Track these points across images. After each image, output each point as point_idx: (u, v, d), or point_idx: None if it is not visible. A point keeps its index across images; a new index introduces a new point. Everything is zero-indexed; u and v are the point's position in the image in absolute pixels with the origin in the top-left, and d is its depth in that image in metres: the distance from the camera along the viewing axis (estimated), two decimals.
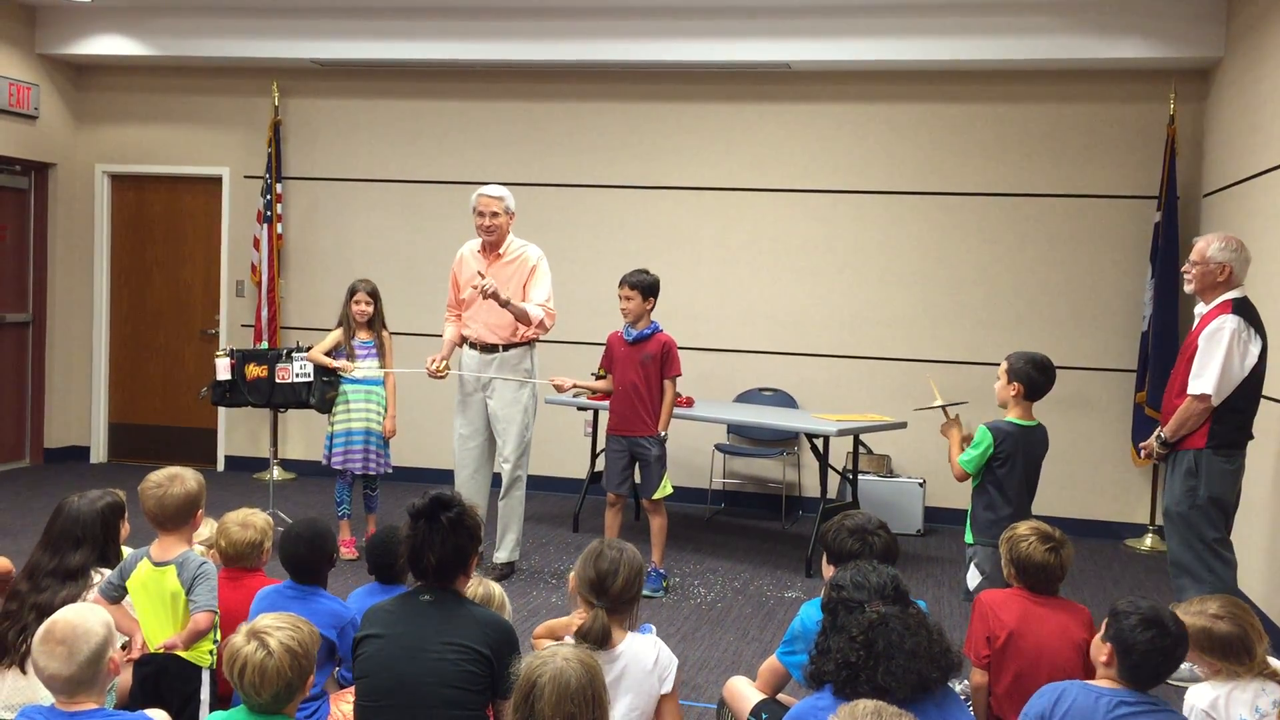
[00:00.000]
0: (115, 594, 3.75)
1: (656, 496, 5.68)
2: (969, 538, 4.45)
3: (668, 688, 3.09)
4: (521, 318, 5.73)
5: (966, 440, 4.52)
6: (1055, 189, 7.46)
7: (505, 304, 5.63)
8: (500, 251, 5.88)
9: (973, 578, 4.35)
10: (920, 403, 4.83)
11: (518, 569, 6.10)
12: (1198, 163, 7.17)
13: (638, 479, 5.80)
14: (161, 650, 3.62)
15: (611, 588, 3.08)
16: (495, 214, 5.80)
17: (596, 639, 3.02)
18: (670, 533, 5.87)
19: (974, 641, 3.53)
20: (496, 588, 3.70)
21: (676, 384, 5.78)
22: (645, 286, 5.67)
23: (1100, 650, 2.88)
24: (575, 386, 5.99)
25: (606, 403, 6.06)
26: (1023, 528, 3.57)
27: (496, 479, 6.04)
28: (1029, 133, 7.48)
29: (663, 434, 5.70)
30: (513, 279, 5.84)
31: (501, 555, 6.01)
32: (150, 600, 3.70)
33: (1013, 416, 4.45)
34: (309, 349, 6.31)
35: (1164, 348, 6.78)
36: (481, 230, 5.84)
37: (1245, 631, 3.06)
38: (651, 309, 5.72)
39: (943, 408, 4.71)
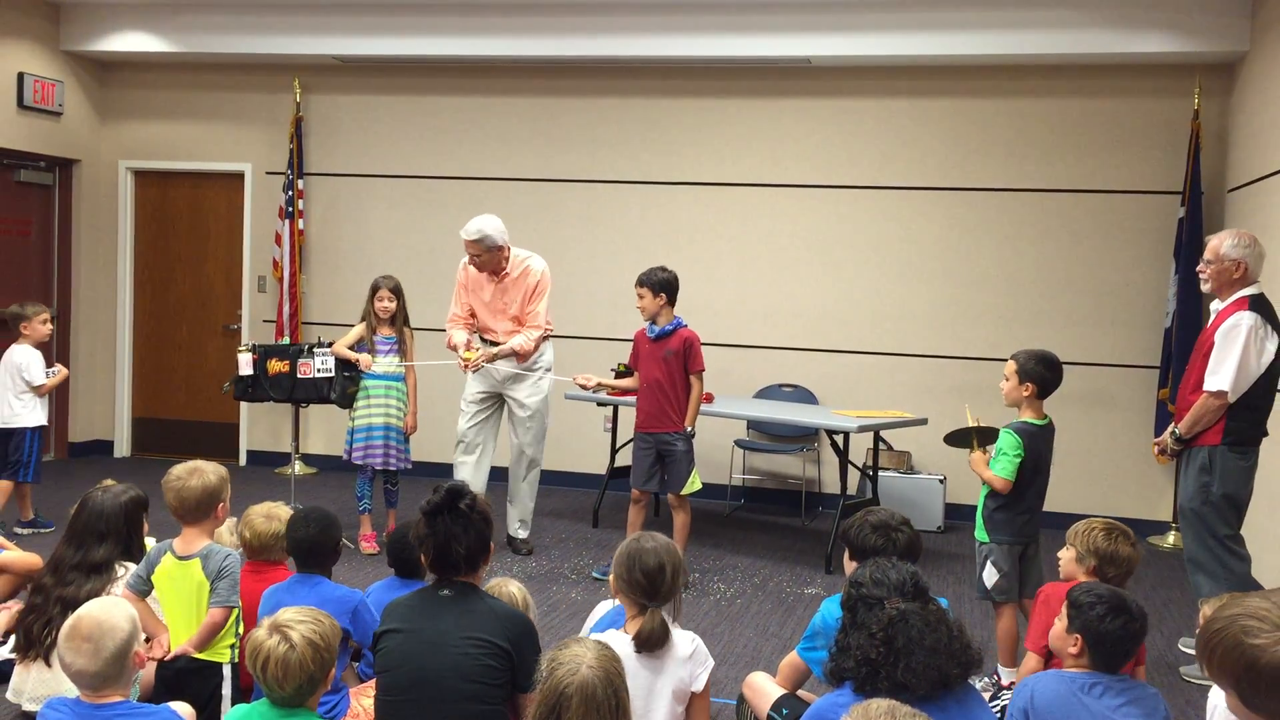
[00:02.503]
0: (143, 587, 3.78)
1: (685, 492, 5.68)
2: (983, 536, 4.43)
3: (699, 686, 3.08)
4: (512, 354, 6.08)
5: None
6: (1078, 184, 7.41)
7: (493, 359, 6.05)
8: (506, 270, 6.12)
9: (990, 576, 4.35)
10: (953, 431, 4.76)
11: (538, 564, 6.14)
12: (1222, 157, 7.12)
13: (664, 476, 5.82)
14: (170, 656, 3.64)
15: (662, 587, 3.09)
16: (478, 255, 6.00)
17: (659, 641, 3.03)
18: (690, 528, 5.87)
19: (1040, 633, 3.50)
20: (516, 587, 3.65)
21: (702, 379, 5.78)
22: (655, 283, 5.65)
23: (1067, 641, 2.95)
24: (600, 386, 6.02)
25: (627, 399, 6.07)
26: (1099, 523, 3.73)
27: (493, 471, 6.37)
28: (1052, 127, 7.44)
29: (689, 430, 5.70)
30: (519, 297, 6.12)
31: (524, 532, 6.38)
32: (175, 593, 3.73)
33: (1027, 416, 4.43)
34: (330, 344, 6.34)
35: (1187, 344, 6.71)
36: (487, 270, 6.09)
37: None
38: (667, 305, 5.69)
39: (972, 438, 4.62)
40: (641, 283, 5.68)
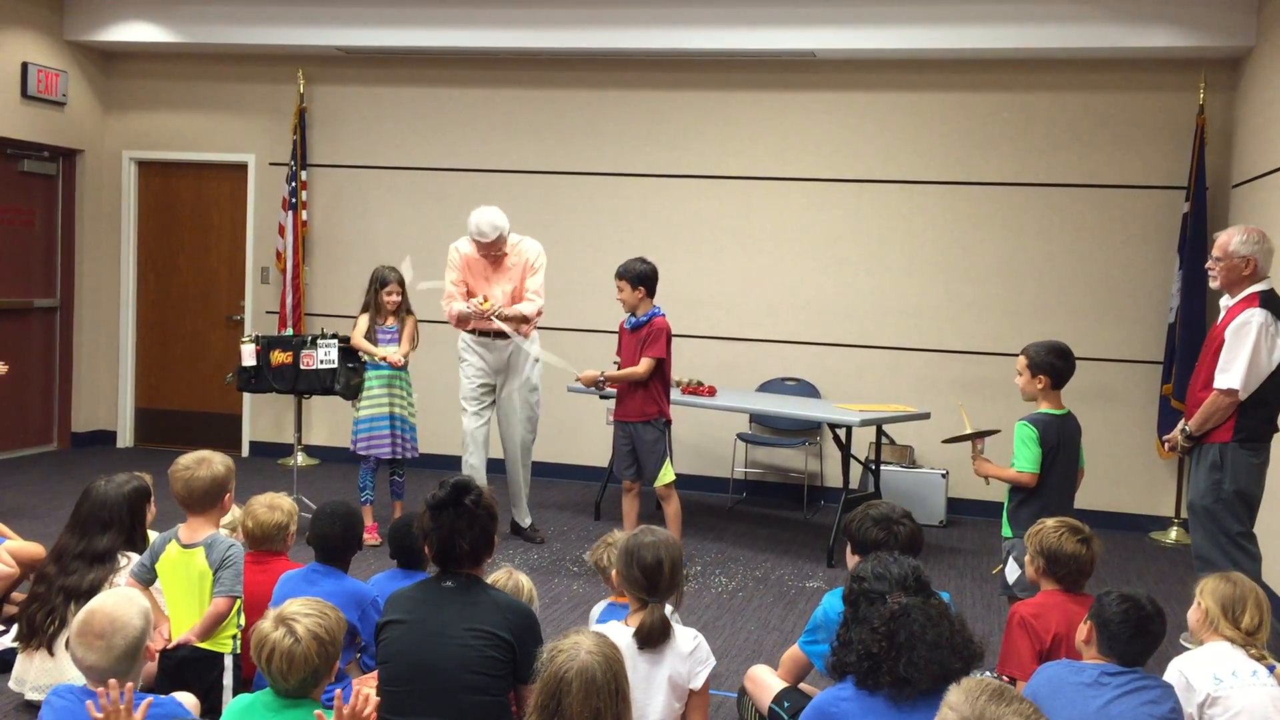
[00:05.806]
0: (147, 576, 3.79)
1: (656, 484, 5.70)
2: (1006, 532, 4.43)
3: (697, 684, 3.08)
4: (522, 320, 6.18)
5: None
6: (1082, 179, 7.40)
7: (505, 318, 6.11)
8: (505, 253, 6.24)
9: (1012, 571, 4.29)
10: (950, 432, 4.76)
11: (540, 556, 6.15)
12: (1227, 153, 7.10)
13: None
14: (172, 645, 3.65)
15: (661, 582, 3.09)
16: (495, 250, 6.13)
17: (660, 636, 3.03)
18: (691, 521, 5.88)
19: (1018, 658, 3.44)
20: (525, 580, 3.67)
21: (658, 365, 5.67)
22: (633, 276, 5.68)
23: (1082, 631, 3.00)
24: (598, 384, 5.93)
25: None
26: (1051, 521, 3.59)
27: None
28: (1056, 122, 7.42)
29: (660, 419, 5.70)
30: (517, 276, 6.25)
31: (529, 519, 6.56)
32: (178, 582, 3.74)
33: (1044, 408, 4.42)
34: (334, 336, 6.36)
35: (1191, 339, 6.72)
36: (489, 258, 6.18)
37: None
38: (645, 296, 5.70)
39: (971, 440, 4.59)
40: (620, 275, 5.73)
